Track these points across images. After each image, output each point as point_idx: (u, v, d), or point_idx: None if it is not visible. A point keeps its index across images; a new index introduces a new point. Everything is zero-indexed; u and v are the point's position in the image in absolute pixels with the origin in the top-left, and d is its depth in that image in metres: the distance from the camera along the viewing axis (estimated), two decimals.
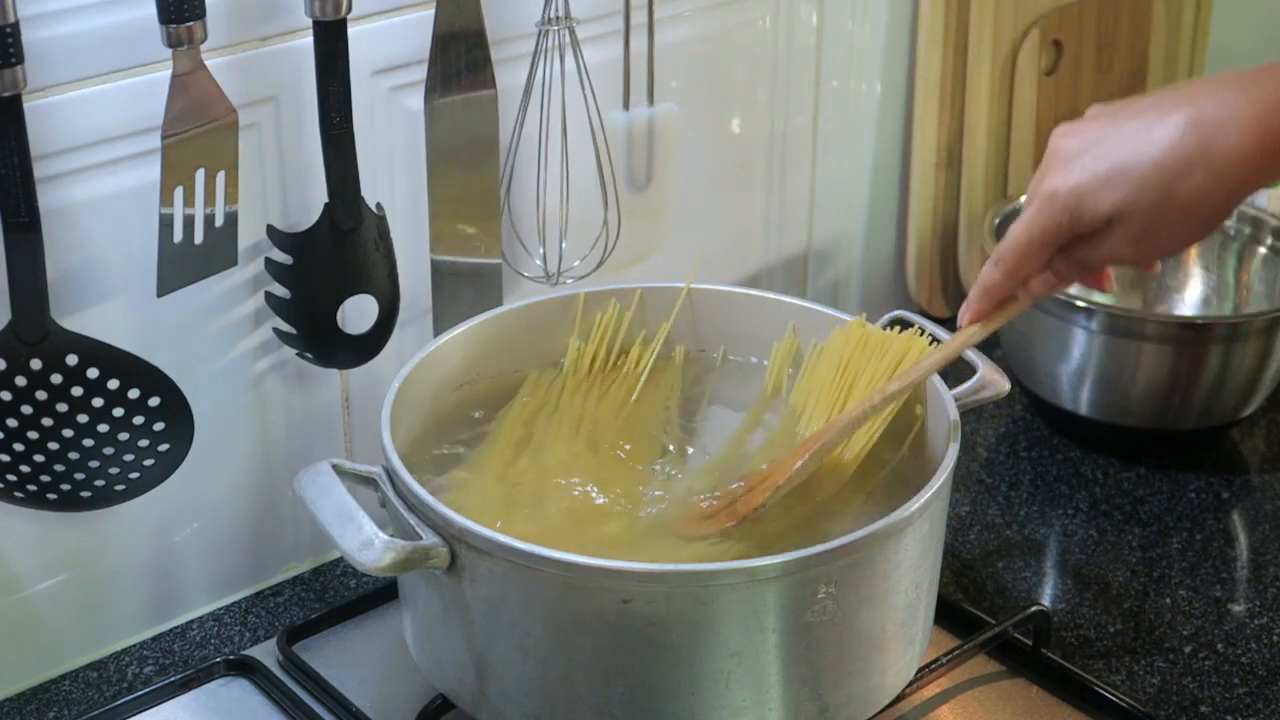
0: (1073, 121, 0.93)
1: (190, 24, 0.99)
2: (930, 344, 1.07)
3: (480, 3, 1.13)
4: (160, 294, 1.05)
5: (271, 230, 1.12)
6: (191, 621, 1.20)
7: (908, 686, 1.05)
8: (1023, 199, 1.50)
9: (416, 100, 1.15)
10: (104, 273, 1.06)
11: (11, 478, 1.03)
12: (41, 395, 1.02)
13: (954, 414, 1.03)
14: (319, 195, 1.11)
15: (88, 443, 1.04)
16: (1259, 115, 0.86)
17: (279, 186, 1.13)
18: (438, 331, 1.18)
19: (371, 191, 1.13)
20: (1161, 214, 0.88)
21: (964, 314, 1.01)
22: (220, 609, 1.21)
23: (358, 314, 1.15)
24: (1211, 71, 1.76)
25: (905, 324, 1.17)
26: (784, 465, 1.02)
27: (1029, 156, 1.59)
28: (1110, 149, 0.89)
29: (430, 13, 1.12)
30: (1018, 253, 0.94)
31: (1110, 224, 0.90)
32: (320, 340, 1.14)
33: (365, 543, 0.92)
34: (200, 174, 1.04)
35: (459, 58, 1.14)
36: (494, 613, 0.95)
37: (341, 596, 1.22)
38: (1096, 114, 0.93)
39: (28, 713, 1.11)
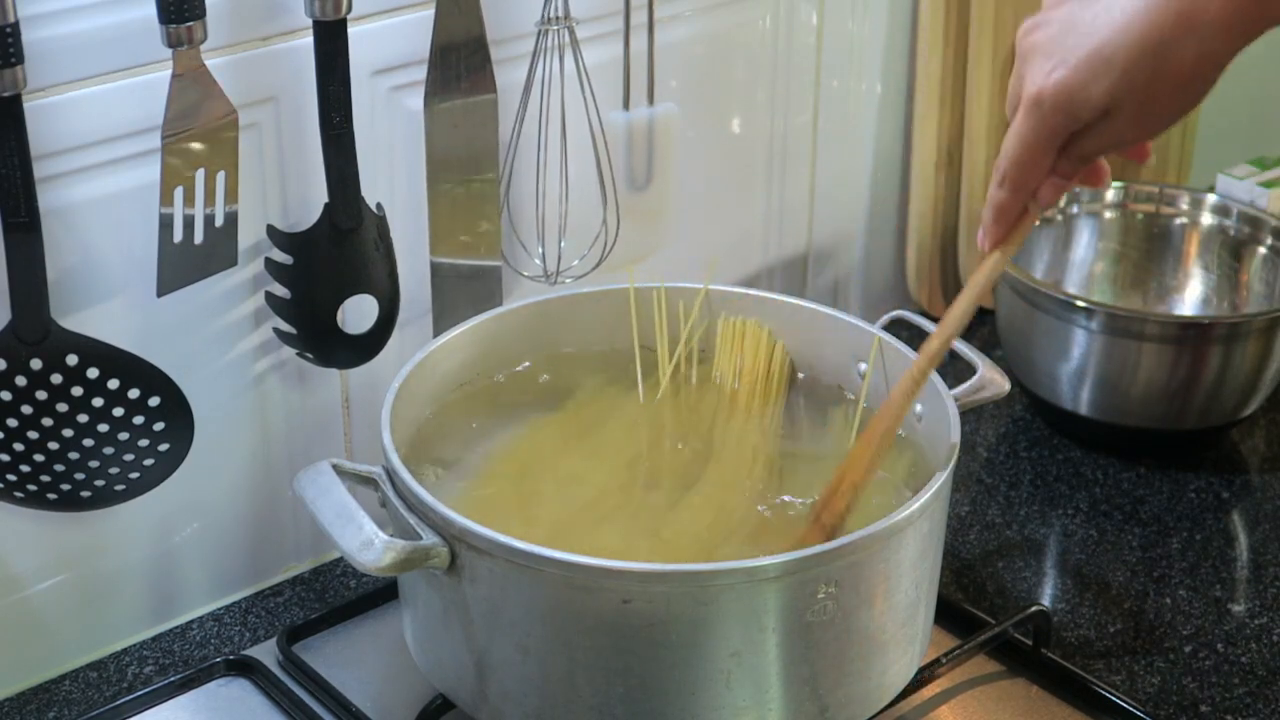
0: (1035, 16, 0.90)
1: (190, 24, 0.99)
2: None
3: (480, 6, 1.13)
4: (160, 294, 1.05)
5: (271, 230, 1.12)
6: (191, 621, 1.20)
7: (908, 686, 1.05)
8: None
9: (416, 100, 1.15)
10: (104, 273, 1.06)
11: (11, 478, 1.03)
12: (41, 395, 1.02)
13: (954, 414, 1.03)
14: (319, 195, 1.11)
15: (88, 443, 1.04)
16: None
17: (279, 186, 1.13)
18: (438, 331, 1.18)
19: (371, 191, 1.13)
20: (1156, 90, 0.85)
21: (982, 240, 0.97)
22: (220, 609, 1.21)
23: (358, 314, 1.15)
24: None
25: (905, 324, 1.17)
26: (857, 462, 0.99)
27: None
28: (1085, 34, 0.85)
29: (430, 13, 1.12)
30: (1019, 165, 0.91)
31: (1106, 111, 0.87)
32: (320, 340, 1.14)
33: (365, 543, 0.92)
34: (200, 174, 1.04)
35: (459, 62, 1.14)
36: (494, 613, 0.95)
37: (341, 596, 1.22)
38: (1056, 1, 0.89)
39: (28, 713, 1.11)
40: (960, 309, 0.98)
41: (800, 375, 1.17)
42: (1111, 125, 0.87)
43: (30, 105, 0.97)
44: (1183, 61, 0.83)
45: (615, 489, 1.07)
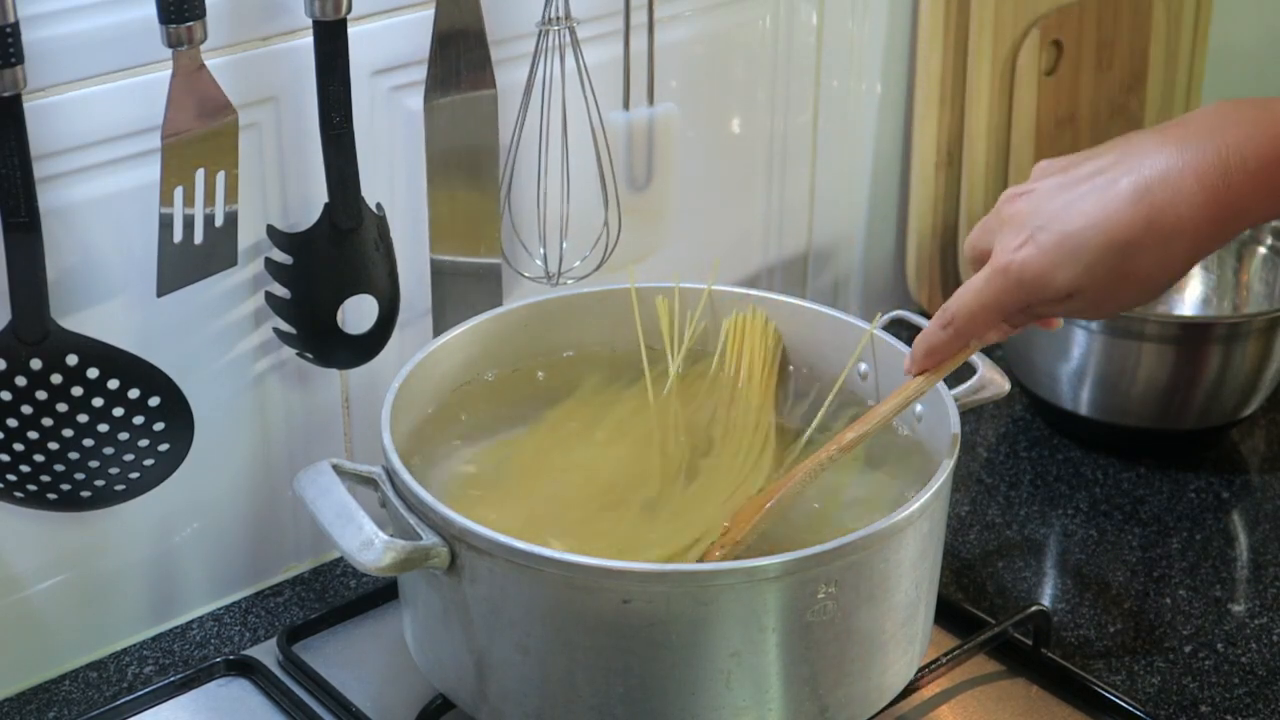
0: (1023, 184, 0.92)
1: (190, 24, 0.99)
2: None
3: (480, 3, 1.13)
4: (160, 294, 1.05)
5: (271, 230, 1.12)
6: (191, 621, 1.20)
7: (908, 686, 1.05)
8: None
9: (416, 100, 1.15)
10: (104, 273, 1.06)
11: (11, 478, 1.03)
12: (41, 395, 1.02)
13: (954, 414, 1.03)
14: (319, 195, 1.11)
15: (88, 443, 1.04)
16: (1204, 186, 0.85)
17: (279, 186, 1.13)
18: (438, 331, 1.18)
19: (371, 191, 1.13)
20: (1117, 286, 0.88)
21: (909, 366, 1.01)
22: (220, 609, 1.21)
23: (358, 314, 1.15)
24: (1212, 71, 1.76)
25: (905, 324, 1.17)
26: (742, 520, 1.00)
27: (1029, 156, 1.59)
28: (1059, 219, 0.88)
29: (430, 13, 1.12)
30: (969, 319, 0.94)
31: (1068, 295, 0.90)
32: (320, 340, 1.14)
33: (365, 543, 0.92)
34: (200, 174, 1.04)
35: (459, 58, 1.14)
36: (494, 613, 0.95)
37: (341, 596, 1.22)
38: (1045, 172, 0.92)
39: (28, 713, 1.11)
40: (880, 415, 1.01)
41: (802, 370, 1.17)
42: (1070, 305, 0.90)
43: (30, 105, 0.97)
44: (1146, 265, 0.86)
45: (618, 481, 1.07)
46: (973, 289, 0.93)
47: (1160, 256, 0.87)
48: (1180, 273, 0.88)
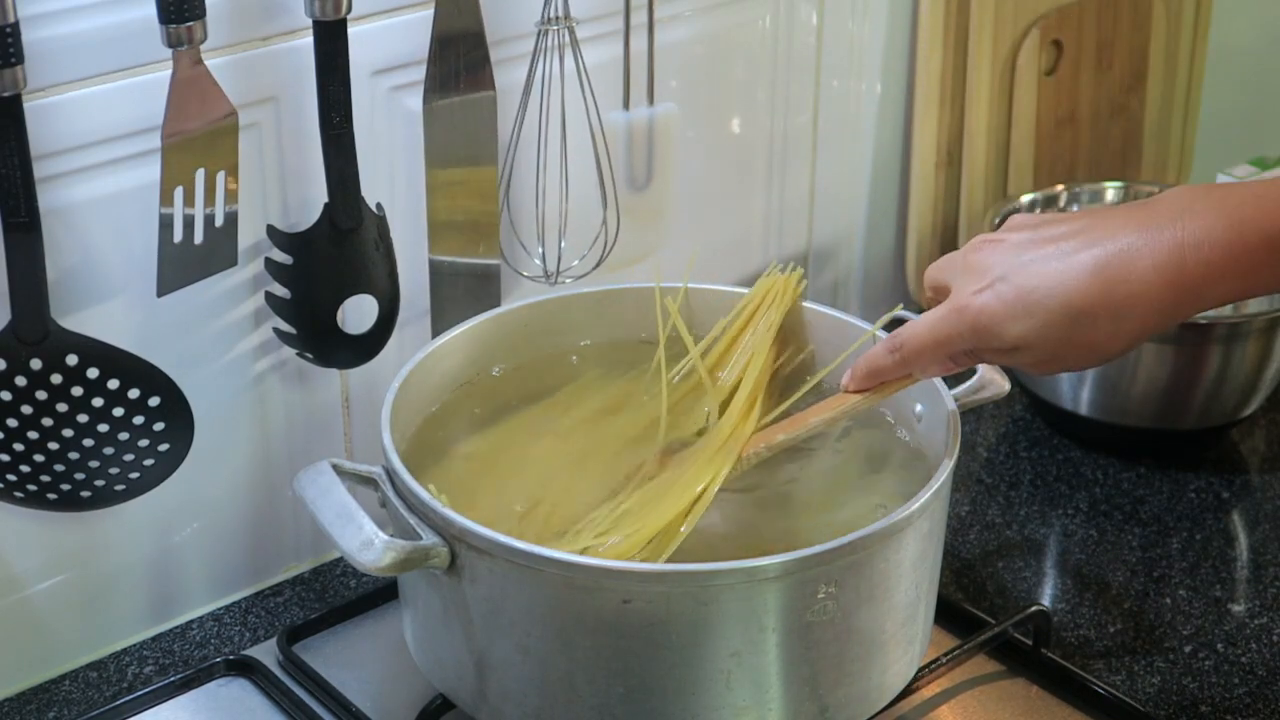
0: (995, 233, 0.94)
1: (190, 24, 0.99)
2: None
3: (479, 3, 1.13)
4: (160, 294, 1.05)
5: (271, 230, 1.12)
6: (191, 621, 1.20)
7: (908, 686, 1.05)
8: (1023, 198, 1.50)
9: (416, 100, 1.15)
10: (104, 273, 1.06)
11: (11, 478, 1.03)
12: (41, 395, 1.02)
13: (954, 414, 1.03)
14: (319, 195, 1.11)
15: (88, 443, 1.04)
16: (1159, 269, 0.87)
17: (279, 186, 1.13)
18: (437, 331, 1.18)
19: (371, 191, 1.13)
20: (1065, 349, 0.90)
21: (847, 383, 1.02)
22: (220, 609, 1.21)
23: (358, 314, 1.15)
24: (1211, 71, 1.76)
25: (905, 324, 1.17)
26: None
27: (1029, 156, 1.59)
28: (1022, 274, 0.90)
29: (430, 13, 1.12)
30: (918, 350, 0.96)
31: (1016, 348, 0.92)
32: (320, 340, 1.14)
33: (365, 543, 0.92)
34: (200, 174, 1.04)
35: (458, 59, 1.14)
36: (494, 613, 0.95)
37: (341, 596, 1.22)
38: (1017, 226, 0.94)
39: (28, 713, 1.11)
40: (811, 424, 1.03)
41: (802, 369, 1.17)
42: (1016, 358, 0.93)
43: (30, 105, 0.97)
44: (1096, 333, 0.89)
45: (614, 471, 1.07)
46: (926, 323, 0.95)
47: (1111, 329, 0.89)
48: (1129, 346, 0.91)
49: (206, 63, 1.01)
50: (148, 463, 1.07)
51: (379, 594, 1.18)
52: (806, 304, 1.17)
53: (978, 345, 0.93)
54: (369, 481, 0.99)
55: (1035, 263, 0.90)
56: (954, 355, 0.96)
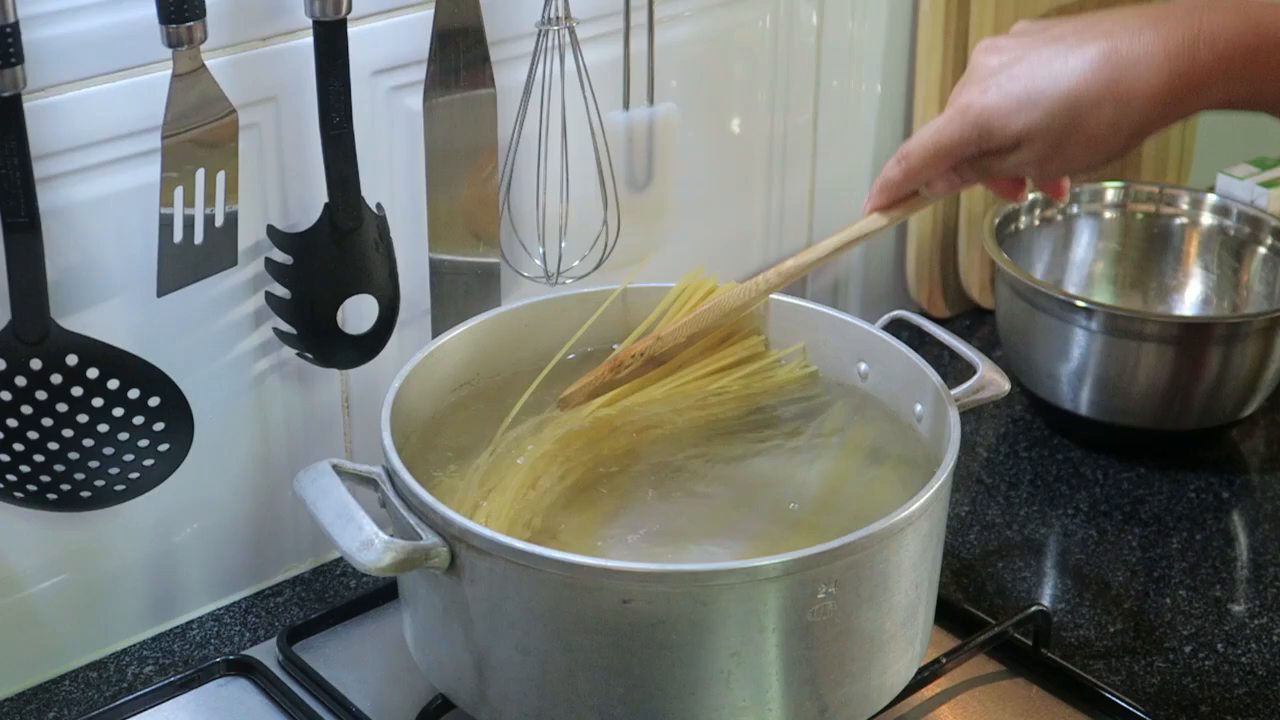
0: (996, 37, 0.95)
1: (190, 24, 0.99)
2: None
3: (479, 2, 1.13)
4: (160, 294, 1.05)
5: (271, 230, 1.12)
6: (191, 621, 1.20)
7: (907, 686, 1.05)
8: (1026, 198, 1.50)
9: (416, 100, 1.15)
10: (104, 273, 1.06)
11: (11, 478, 1.03)
12: (41, 395, 1.02)
13: (954, 414, 1.03)
14: (319, 195, 1.11)
15: (88, 443, 1.04)
16: (1170, 55, 0.88)
17: (279, 186, 1.13)
18: (437, 331, 1.18)
19: (371, 191, 1.13)
20: (1068, 141, 0.91)
21: (865, 205, 1.02)
22: (220, 609, 1.21)
23: (358, 314, 1.15)
24: None
25: (905, 324, 1.17)
26: (670, 332, 1.07)
27: None
28: (1025, 71, 0.91)
29: (430, 13, 1.12)
30: (923, 156, 0.96)
31: (1018, 144, 0.92)
32: (320, 340, 1.14)
33: (365, 543, 0.92)
34: (200, 174, 1.04)
35: (458, 57, 1.14)
36: (494, 613, 0.95)
37: (341, 596, 1.22)
38: (1021, 30, 0.95)
39: (28, 713, 1.11)
40: (824, 247, 1.04)
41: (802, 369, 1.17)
42: (1019, 155, 0.93)
43: (30, 105, 0.97)
44: (1098, 123, 0.89)
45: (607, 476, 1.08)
46: (931, 128, 0.96)
47: (1114, 117, 0.89)
48: (1130, 141, 0.91)
49: (206, 63, 1.01)
50: (148, 463, 1.07)
51: (379, 594, 1.18)
52: (806, 303, 1.17)
53: (982, 146, 0.93)
54: (369, 481, 0.99)
55: (1041, 58, 0.91)
56: (959, 165, 0.96)
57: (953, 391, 1.06)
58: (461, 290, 1.21)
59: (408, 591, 1.03)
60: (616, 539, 1.03)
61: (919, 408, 1.09)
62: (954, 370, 1.14)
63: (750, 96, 1.40)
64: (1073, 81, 0.89)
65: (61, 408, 1.03)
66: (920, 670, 1.06)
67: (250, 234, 1.11)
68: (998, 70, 0.92)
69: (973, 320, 1.61)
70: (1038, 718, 1.10)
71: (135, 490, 1.08)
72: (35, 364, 1.02)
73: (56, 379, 1.02)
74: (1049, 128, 0.90)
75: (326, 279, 1.13)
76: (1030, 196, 1.51)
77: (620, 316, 1.17)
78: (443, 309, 1.20)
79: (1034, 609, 1.14)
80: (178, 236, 1.04)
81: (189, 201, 1.04)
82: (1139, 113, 0.89)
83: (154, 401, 1.06)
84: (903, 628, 0.99)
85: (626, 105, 1.28)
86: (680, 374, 1.13)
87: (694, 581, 0.92)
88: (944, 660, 1.11)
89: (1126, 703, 1.10)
